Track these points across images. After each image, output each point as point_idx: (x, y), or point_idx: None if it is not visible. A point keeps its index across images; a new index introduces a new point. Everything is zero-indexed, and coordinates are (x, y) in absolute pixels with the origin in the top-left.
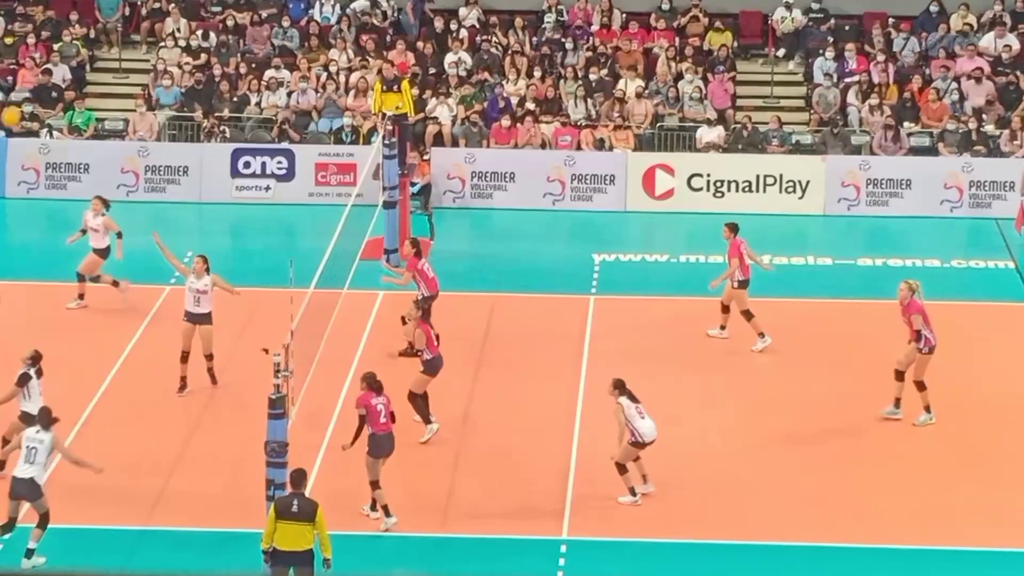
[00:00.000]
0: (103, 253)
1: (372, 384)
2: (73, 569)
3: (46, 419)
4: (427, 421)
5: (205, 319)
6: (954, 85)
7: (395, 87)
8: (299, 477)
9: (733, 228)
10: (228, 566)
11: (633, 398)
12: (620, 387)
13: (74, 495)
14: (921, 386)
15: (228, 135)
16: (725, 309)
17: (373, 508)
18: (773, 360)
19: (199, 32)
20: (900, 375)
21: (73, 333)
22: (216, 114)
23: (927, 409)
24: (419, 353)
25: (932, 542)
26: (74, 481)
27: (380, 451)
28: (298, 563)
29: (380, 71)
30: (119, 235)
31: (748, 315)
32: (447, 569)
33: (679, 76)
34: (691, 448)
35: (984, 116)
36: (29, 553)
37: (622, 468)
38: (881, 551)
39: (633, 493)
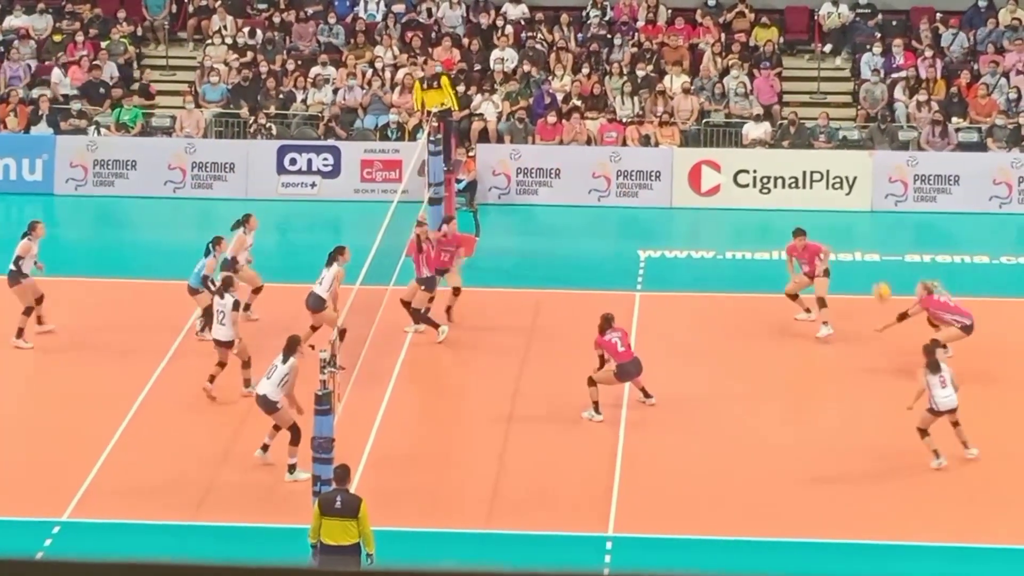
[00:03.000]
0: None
1: (602, 326)
2: (126, 558)
3: (292, 347)
4: (435, 325)
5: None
6: (1004, 81)
7: (435, 83)
8: (343, 473)
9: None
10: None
11: (935, 368)
12: (929, 352)
13: (120, 491)
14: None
15: (274, 132)
16: (794, 298)
17: (596, 411)
18: (820, 357)
19: (245, 29)
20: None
21: (122, 328)
22: (262, 111)
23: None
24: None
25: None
26: (121, 477)
27: (626, 376)
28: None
29: (423, 68)
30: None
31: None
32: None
33: (725, 72)
34: (736, 445)
35: None
36: (291, 468)
37: (923, 433)
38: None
39: (937, 455)
